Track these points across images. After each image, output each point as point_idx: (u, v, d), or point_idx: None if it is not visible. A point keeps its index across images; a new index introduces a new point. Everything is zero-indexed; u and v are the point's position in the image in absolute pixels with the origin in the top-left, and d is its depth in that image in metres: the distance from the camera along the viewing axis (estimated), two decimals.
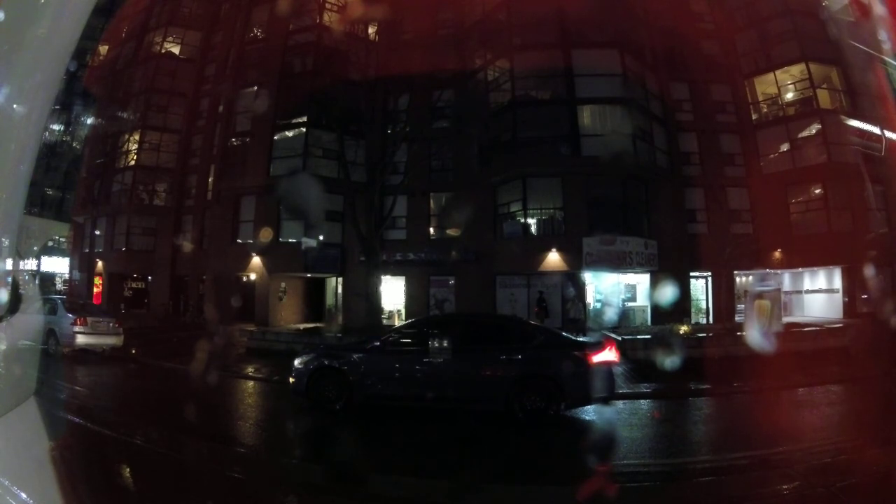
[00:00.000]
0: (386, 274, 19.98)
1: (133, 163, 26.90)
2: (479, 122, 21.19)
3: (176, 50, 27.70)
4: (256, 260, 22.16)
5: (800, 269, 22.39)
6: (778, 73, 21.89)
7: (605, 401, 7.50)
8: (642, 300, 20.64)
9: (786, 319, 16.10)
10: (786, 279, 22.56)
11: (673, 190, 21.01)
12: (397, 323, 18.54)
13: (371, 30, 19.85)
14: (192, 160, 26.76)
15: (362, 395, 7.45)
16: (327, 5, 22.72)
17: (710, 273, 21.06)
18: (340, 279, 22.67)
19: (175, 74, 27.28)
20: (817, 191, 20.82)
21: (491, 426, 6.97)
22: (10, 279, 2.28)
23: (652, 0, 21.35)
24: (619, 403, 8.22)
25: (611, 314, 19.18)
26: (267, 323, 20.87)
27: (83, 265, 27.99)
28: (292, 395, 8.00)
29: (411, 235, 21.76)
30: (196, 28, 27.79)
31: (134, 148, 26.97)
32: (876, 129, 18.03)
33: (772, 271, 20.73)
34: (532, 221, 20.30)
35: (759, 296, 13.97)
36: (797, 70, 21.51)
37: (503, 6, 21.22)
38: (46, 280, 29.41)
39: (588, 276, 19.75)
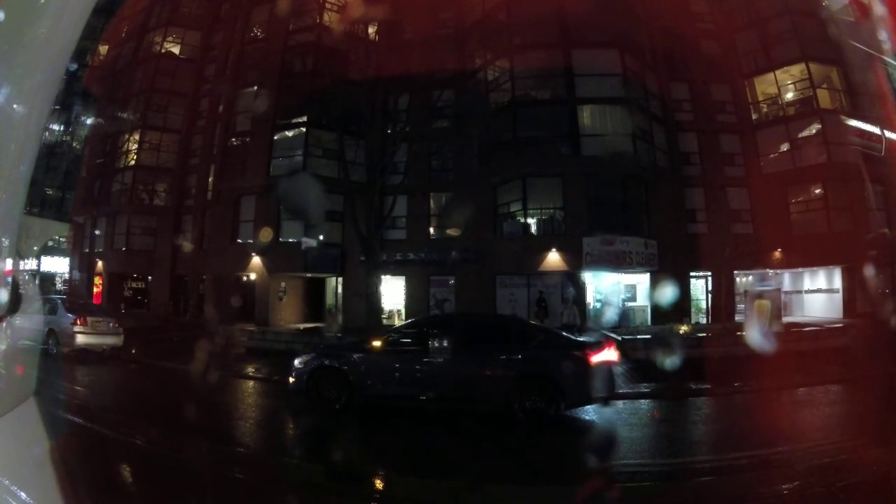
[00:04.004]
0: (386, 274, 19.97)
1: (133, 163, 26.86)
2: (479, 122, 21.17)
3: (176, 50, 27.69)
4: (256, 260, 22.15)
5: (800, 269, 22.38)
6: (778, 73, 21.87)
7: (605, 401, 7.51)
8: (642, 300, 20.63)
9: (786, 319, 16.10)
10: (786, 279, 22.54)
11: (673, 190, 21.00)
12: (397, 323, 18.54)
13: (371, 30, 19.84)
14: (192, 160, 26.73)
15: (362, 395, 7.45)
16: (327, 5, 22.71)
17: (710, 273, 21.05)
18: (340, 279, 22.66)
19: (175, 74, 27.25)
20: (817, 191, 20.81)
21: (491, 426, 6.97)
22: (10, 279, 2.28)
23: (652, 0, 21.36)
24: (619, 403, 8.22)
25: (611, 314, 19.16)
26: (267, 323, 20.86)
27: (83, 265, 27.97)
28: (292, 394, 8.00)
29: (411, 235, 21.74)
30: (196, 28, 27.75)
31: (134, 148, 26.95)
32: (876, 129, 18.00)
33: (772, 271, 20.73)
34: (532, 221, 20.29)
35: (759, 296, 13.97)
36: (797, 70, 21.49)
37: (503, 6, 21.19)
38: (46, 280, 29.38)
39: (588, 276, 19.73)
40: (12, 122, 1.85)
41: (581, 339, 9.25)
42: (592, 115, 20.24)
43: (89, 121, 30.92)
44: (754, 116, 22.37)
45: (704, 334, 15.43)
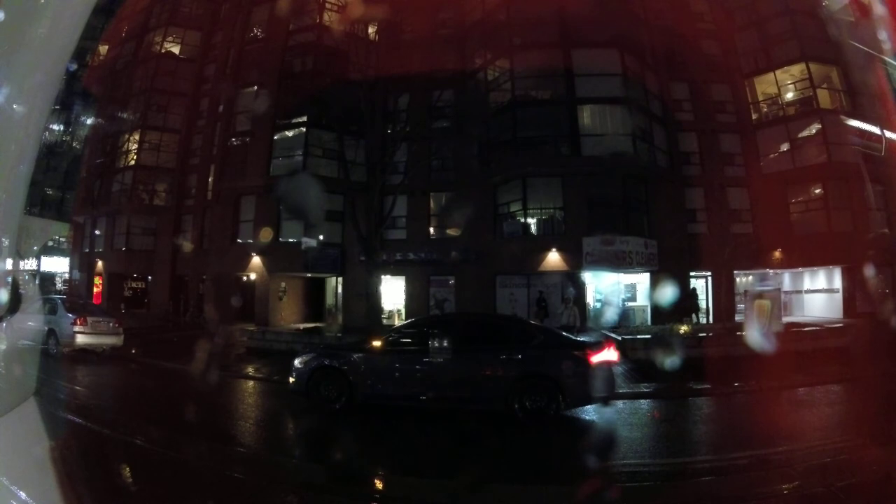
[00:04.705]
0: (386, 274, 19.97)
1: (133, 163, 26.87)
2: (479, 122, 21.17)
3: (176, 50, 27.69)
4: (256, 260, 22.15)
5: (800, 269, 22.38)
6: (778, 72, 21.87)
7: (605, 401, 7.51)
8: (642, 300, 20.63)
9: (786, 319, 16.09)
10: (786, 279, 22.55)
11: (673, 190, 20.99)
12: (397, 323, 18.53)
13: (371, 30, 19.84)
14: (192, 160, 26.74)
15: (362, 395, 7.45)
16: (327, 5, 22.71)
17: (710, 273, 21.05)
18: (340, 279, 22.66)
19: (175, 74, 27.26)
20: (817, 191, 20.81)
21: (491, 426, 6.97)
22: (10, 279, 2.28)
23: (652, 0, 21.37)
24: (619, 403, 8.22)
25: (611, 314, 19.16)
26: (267, 323, 20.86)
27: (83, 265, 27.98)
28: (292, 394, 8.00)
29: (411, 235, 21.74)
30: (196, 28, 27.76)
31: (134, 148, 26.95)
32: (876, 129, 18.02)
33: (772, 271, 20.73)
34: (532, 221, 20.29)
35: (759, 296, 13.96)
36: (797, 70, 21.50)
37: (503, 6, 21.20)
38: (46, 280, 29.39)
39: (588, 276, 19.74)
40: (12, 122, 1.85)
41: (581, 339, 9.25)
42: (592, 115, 20.24)
43: (89, 121, 30.92)
44: (754, 116, 22.37)
45: (704, 334, 15.43)
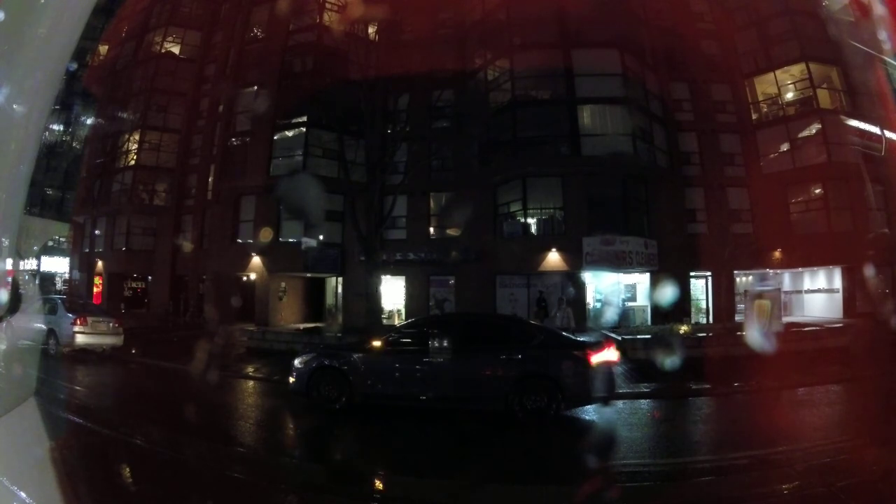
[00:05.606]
0: (386, 274, 19.95)
1: (133, 163, 26.88)
2: (479, 122, 21.18)
3: (176, 50, 27.70)
4: (256, 260, 22.15)
5: (800, 269, 22.38)
6: (778, 73, 21.88)
7: (605, 401, 7.51)
8: (642, 300, 20.63)
9: (786, 319, 16.10)
10: (786, 279, 22.55)
11: (673, 190, 20.99)
12: (397, 323, 18.52)
13: (371, 30, 19.83)
14: (192, 160, 26.75)
15: (362, 395, 7.45)
16: (327, 5, 22.71)
17: (710, 273, 21.05)
18: (340, 279, 22.66)
19: (175, 74, 27.27)
20: (817, 191, 20.81)
21: (491, 426, 6.97)
22: (10, 279, 2.28)
23: (652, 0, 21.38)
24: (619, 403, 8.21)
25: (611, 314, 19.17)
26: (267, 323, 20.86)
27: (83, 265, 27.98)
28: (292, 394, 8.01)
29: (411, 235, 21.75)
30: (196, 28, 27.77)
31: (134, 148, 26.96)
32: (876, 129, 18.03)
33: (772, 271, 20.73)
34: (532, 221, 20.29)
35: (759, 296, 13.96)
36: (797, 70, 21.50)
37: (503, 6, 21.21)
38: (46, 280, 29.40)
39: (588, 276, 19.74)
40: (12, 122, 1.85)
41: (581, 338, 9.25)
42: (592, 115, 20.24)
43: (89, 121, 30.92)
44: (754, 116, 22.38)
45: (704, 334, 15.43)
